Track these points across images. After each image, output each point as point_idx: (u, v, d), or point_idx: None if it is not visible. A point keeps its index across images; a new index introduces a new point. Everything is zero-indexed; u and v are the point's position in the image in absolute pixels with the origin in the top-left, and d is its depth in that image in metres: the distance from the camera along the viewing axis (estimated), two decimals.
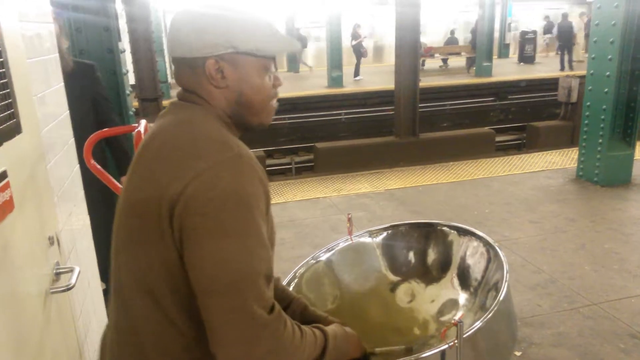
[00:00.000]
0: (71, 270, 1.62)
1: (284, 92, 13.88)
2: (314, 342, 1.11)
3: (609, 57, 5.23)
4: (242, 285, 0.94)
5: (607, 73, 5.29)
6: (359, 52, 16.99)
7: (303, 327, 1.10)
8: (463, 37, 22.54)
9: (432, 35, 22.62)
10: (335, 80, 15.28)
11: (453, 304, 1.57)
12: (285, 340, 1.00)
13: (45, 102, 1.84)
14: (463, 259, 1.63)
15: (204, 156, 0.99)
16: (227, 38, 1.06)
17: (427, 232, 1.74)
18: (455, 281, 1.62)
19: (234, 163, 0.99)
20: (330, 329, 1.20)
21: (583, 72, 6.39)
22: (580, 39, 17.67)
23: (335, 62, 15.34)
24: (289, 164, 10.65)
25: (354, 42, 17.04)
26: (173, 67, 1.15)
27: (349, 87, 15.24)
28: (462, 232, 1.67)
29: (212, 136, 1.03)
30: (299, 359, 1.04)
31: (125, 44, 4.37)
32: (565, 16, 17.66)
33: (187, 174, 0.97)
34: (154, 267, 1.02)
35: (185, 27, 1.07)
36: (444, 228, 1.71)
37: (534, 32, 20.36)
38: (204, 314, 0.97)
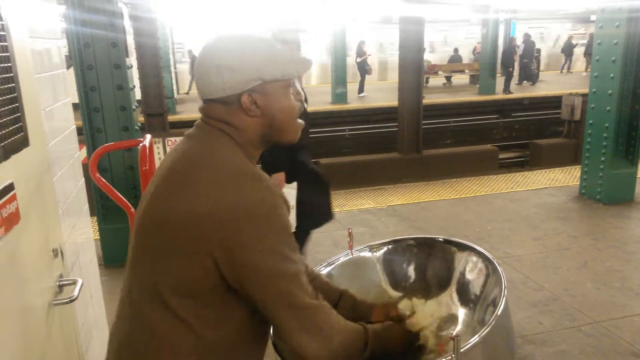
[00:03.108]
0: (74, 283, 1.65)
1: None
2: (356, 330, 1.25)
3: (611, 75, 5.27)
4: (292, 288, 1.11)
5: (610, 91, 5.32)
6: (363, 69, 17.10)
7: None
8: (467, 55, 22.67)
9: (436, 53, 22.80)
10: (340, 97, 15.36)
11: (452, 319, 1.58)
12: (333, 320, 1.18)
13: (52, 116, 1.88)
14: (462, 274, 1.64)
15: (241, 189, 1.09)
16: (256, 72, 1.13)
17: (427, 247, 1.75)
18: (455, 296, 1.62)
19: (268, 195, 1.10)
20: (369, 325, 1.33)
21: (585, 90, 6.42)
22: None
23: (339, 78, 15.43)
24: None
25: (358, 60, 17.16)
26: (203, 104, 1.20)
27: (353, 103, 15.31)
28: (462, 247, 1.67)
29: (242, 171, 1.12)
30: (344, 339, 1.18)
31: (132, 59, 4.42)
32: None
33: (226, 205, 1.07)
34: (176, 279, 1.11)
35: (213, 69, 1.13)
36: (444, 243, 1.72)
37: (538, 51, 20.45)
38: (270, 317, 1.13)
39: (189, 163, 1.14)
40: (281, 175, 3.36)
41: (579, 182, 5.88)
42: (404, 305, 1.69)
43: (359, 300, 1.51)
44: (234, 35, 1.17)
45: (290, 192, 3.44)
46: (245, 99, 1.14)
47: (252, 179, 1.11)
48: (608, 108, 5.37)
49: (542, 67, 21.23)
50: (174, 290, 1.11)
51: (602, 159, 5.50)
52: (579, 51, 23.09)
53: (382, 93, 16.96)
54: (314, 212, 3.58)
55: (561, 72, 23.10)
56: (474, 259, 1.62)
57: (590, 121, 5.62)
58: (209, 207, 1.07)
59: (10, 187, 1.30)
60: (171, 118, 10.69)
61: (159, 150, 5.52)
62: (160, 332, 1.12)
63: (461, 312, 1.58)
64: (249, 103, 1.15)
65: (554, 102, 13.44)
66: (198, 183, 1.10)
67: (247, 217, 1.06)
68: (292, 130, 1.23)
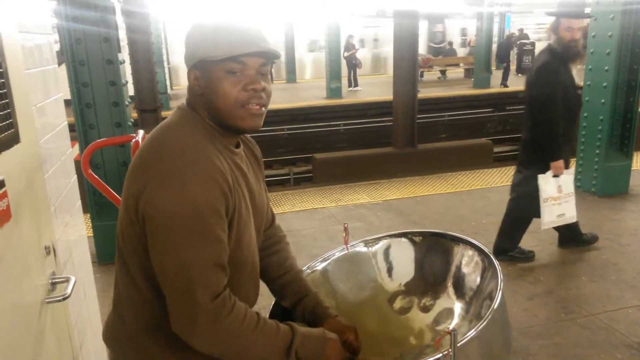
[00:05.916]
0: (67, 280, 1.63)
1: (283, 103, 13.92)
2: (275, 334, 1.19)
3: (606, 68, 5.27)
4: (188, 273, 1.10)
5: (604, 84, 5.33)
6: (351, 63, 17.09)
7: (268, 319, 1.21)
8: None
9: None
10: (334, 91, 15.34)
11: (448, 313, 1.57)
12: (226, 324, 1.12)
13: (44, 112, 1.85)
14: (458, 268, 1.63)
15: (162, 159, 1.13)
16: (194, 50, 1.18)
17: (423, 242, 1.74)
18: (451, 290, 1.62)
19: (187, 169, 1.11)
20: (305, 329, 1.26)
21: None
22: None
23: (334, 73, 15.40)
24: (288, 174, 10.65)
25: (346, 54, 17.11)
26: None
27: (348, 97, 15.30)
28: (457, 241, 1.67)
29: (175, 141, 1.16)
30: (246, 344, 1.15)
31: (124, 55, 4.39)
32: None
33: (146, 175, 1.13)
34: (130, 247, 1.22)
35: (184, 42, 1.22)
36: (440, 237, 1.72)
37: (532, 44, 20.47)
38: (163, 291, 1.15)
39: (147, 139, 1.22)
40: (560, 163, 3.57)
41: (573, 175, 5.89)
42: (399, 299, 1.68)
43: (323, 306, 1.45)
44: (203, 17, 1.23)
45: (569, 177, 3.69)
46: (189, 74, 1.22)
47: (180, 151, 1.13)
48: (603, 100, 5.38)
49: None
50: (134, 257, 1.21)
51: (597, 151, 5.50)
52: None
53: (377, 87, 16.96)
54: None
55: None
56: (470, 252, 1.62)
57: (585, 114, 5.63)
58: (136, 178, 1.16)
59: (0, 184, 1.28)
60: (165, 114, 10.62)
61: None
62: (123, 292, 1.28)
63: (457, 306, 1.57)
64: (192, 79, 1.21)
65: None
66: (139, 155, 1.19)
67: (161, 182, 1.10)
68: (233, 117, 1.19)
